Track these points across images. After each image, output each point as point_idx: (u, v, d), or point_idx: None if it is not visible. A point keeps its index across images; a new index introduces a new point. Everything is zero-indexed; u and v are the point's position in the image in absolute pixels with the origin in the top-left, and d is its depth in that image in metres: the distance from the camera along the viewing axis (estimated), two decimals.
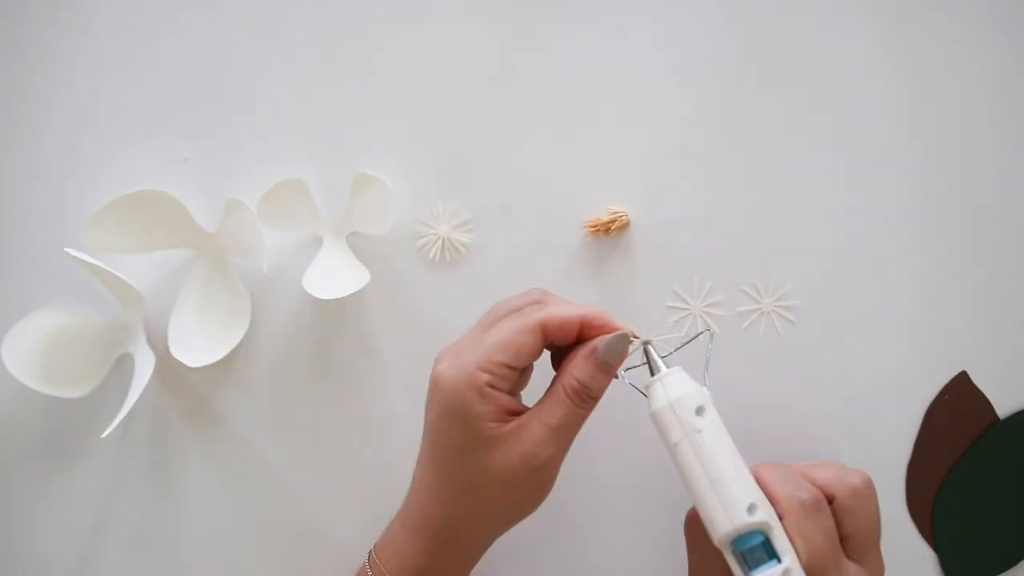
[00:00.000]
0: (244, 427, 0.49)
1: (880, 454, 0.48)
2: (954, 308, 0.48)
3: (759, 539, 0.35)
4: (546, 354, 0.41)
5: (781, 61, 0.49)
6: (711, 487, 0.36)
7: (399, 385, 0.48)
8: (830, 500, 0.38)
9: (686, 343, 0.42)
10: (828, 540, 0.36)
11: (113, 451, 0.49)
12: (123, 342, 0.49)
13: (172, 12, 0.50)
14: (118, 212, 0.46)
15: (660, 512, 0.48)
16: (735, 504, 0.35)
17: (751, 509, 0.35)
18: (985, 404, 0.48)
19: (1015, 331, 0.48)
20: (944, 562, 0.47)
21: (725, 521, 0.35)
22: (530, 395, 0.41)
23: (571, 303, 0.40)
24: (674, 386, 0.37)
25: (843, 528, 0.38)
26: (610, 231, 0.47)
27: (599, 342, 0.38)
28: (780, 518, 0.36)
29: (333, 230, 0.49)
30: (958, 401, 0.48)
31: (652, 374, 0.38)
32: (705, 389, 0.38)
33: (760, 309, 0.48)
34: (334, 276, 0.46)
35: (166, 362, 0.48)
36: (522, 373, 0.40)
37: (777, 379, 0.48)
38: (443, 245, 0.49)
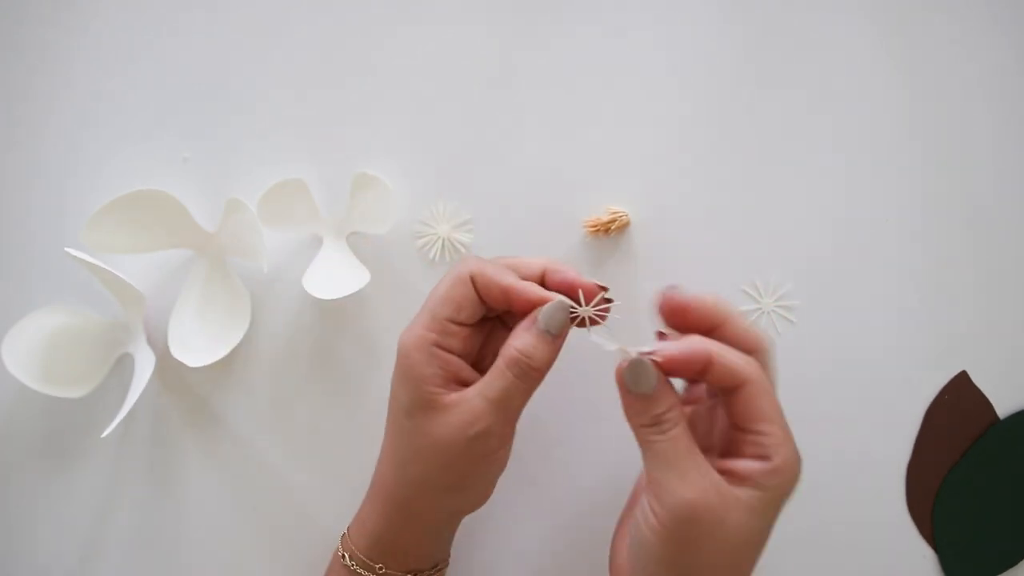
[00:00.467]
0: (244, 427, 0.49)
1: (880, 454, 0.48)
2: (954, 308, 0.48)
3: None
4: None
5: (781, 61, 0.49)
6: None
7: None
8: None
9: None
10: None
11: (113, 451, 0.49)
12: (123, 342, 0.49)
13: (172, 12, 0.50)
14: (118, 212, 0.46)
15: None
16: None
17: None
18: (985, 404, 0.48)
19: (1015, 331, 0.48)
20: (944, 562, 0.47)
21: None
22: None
23: (502, 269, 0.39)
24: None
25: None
26: (610, 231, 0.47)
27: (540, 311, 0.37)
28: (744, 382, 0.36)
29: (333, 230, 0.49)
30: (958, 401, 0.48)
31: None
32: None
33: (760, 309, 0.48)
34: (334, 276, 0.46)
35: (166, 362, 0.48)
36: (478, 338, 0.40)
37: (777, 379, 0.48)
38: (443, 245, 0.49)
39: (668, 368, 0.36)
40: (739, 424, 0.36)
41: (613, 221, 0.47)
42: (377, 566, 0.40)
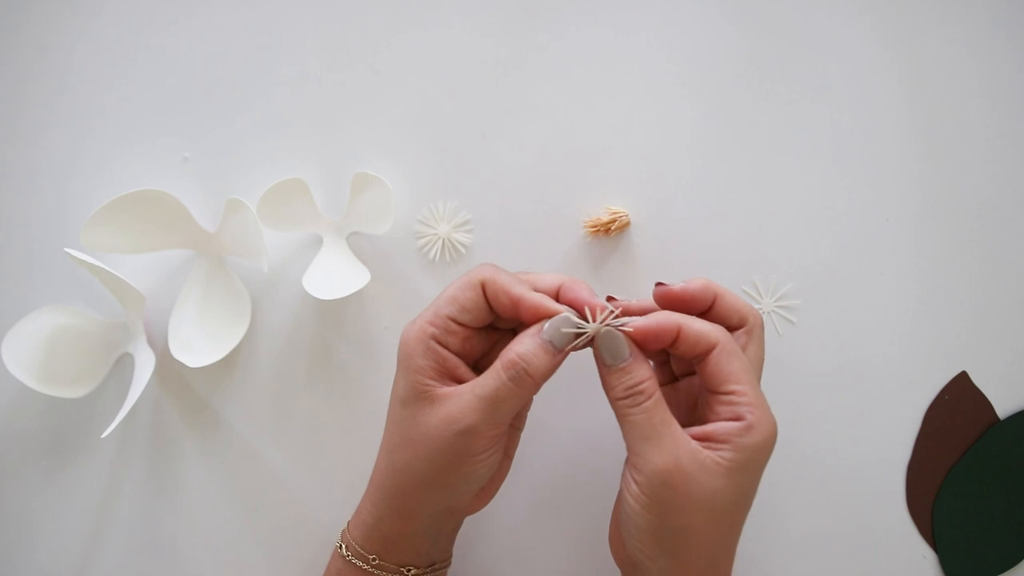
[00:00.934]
0: (244, 427, 0.49)
1: (880, 454, 0.48)
2: (954, 308, 0.48)
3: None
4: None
5: (781, 61, 0.49)
6: None
7: None
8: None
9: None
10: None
11: (113, 451, 0.49)
12: (123, 342, 0.49)
13: (172, 12, 0.50)
14: (118, 212, 0.46)
15: None
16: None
17: None
18: (985, 404, 0.48)
19: (1015, 331, 0.48)
20: (944, 562, 0.47)
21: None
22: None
23: (517, 282, 0.39)
24: None
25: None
26: (610, 231, 0.47)
27: (547, 322, 0.38)
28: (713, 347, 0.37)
29: (333, 230, 0.49)
30: (958, 401, 0.48)
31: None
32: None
33: (760, 309, 0.48)
34: (334, 276, 0.46)
35: (166, 362, 0.48)
36: (481, 343, 0.41)
37: (777, 379, 0.48)
38: (443, 245, 0.49)
39: (640, 339, 0.38)
40: (711, 388, 0.38)
41: (613, 221, 0.47)
42: (371, 557, 0.41)
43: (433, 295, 0.48)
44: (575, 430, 0.48)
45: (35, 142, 0.50)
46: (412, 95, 0.49)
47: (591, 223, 0.47)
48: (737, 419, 0.36)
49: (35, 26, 0.50)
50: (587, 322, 0.38)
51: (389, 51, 0.49)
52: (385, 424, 0.41)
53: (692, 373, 0.42)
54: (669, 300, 0.39)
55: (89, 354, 0.48)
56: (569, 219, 0.48)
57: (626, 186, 0.49)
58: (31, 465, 0.49)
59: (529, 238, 0.49)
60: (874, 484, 0.48)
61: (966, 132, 0.48)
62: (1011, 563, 0.48)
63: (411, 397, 0.39)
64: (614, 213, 0.47)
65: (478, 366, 0.41)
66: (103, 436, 0.45)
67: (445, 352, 0.39)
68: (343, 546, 0.42)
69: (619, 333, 0.37)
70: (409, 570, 0.41)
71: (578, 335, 0.38)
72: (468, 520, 0.44)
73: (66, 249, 0.45)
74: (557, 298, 0.39)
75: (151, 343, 0.48)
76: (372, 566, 0.41)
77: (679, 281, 0.39)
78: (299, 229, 0.49)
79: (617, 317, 0.38)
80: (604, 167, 0.49)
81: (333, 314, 0.49)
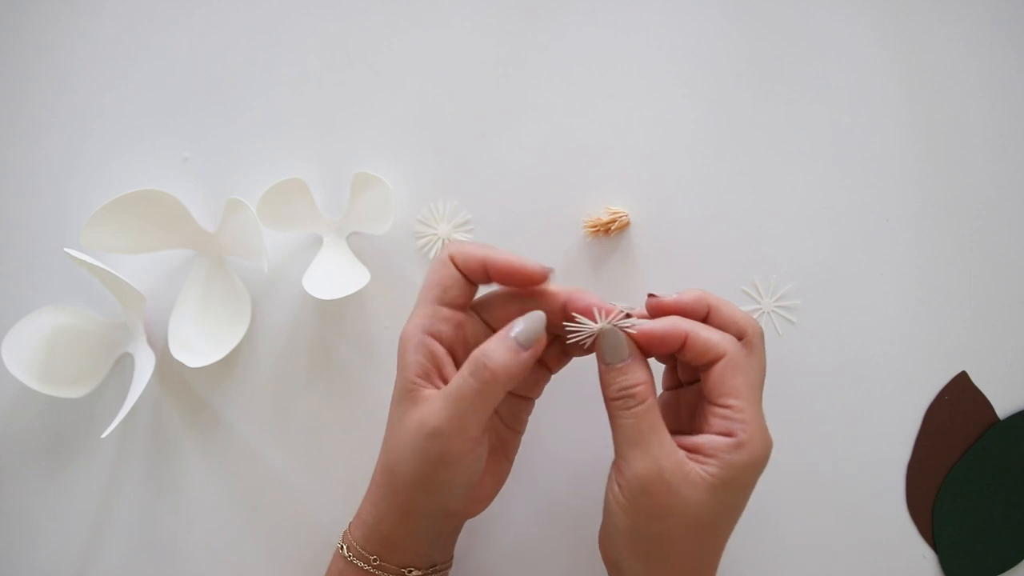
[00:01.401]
0: (244, 427, 0.49)
1: (880, 454, 0.48)
2: (954, 308, 0.48)
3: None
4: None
5: (781, 61, 0.49)
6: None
7: None
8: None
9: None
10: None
11: (113, 451, 0.49)
12: (123, 342, 0.49)
13: (172, 12, 0.50)
14: (118, 212, 0.46)
15: None
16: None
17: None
18: (985, 404, 0.48)
19: (1015, 331, 0.48)
20: (944, 562, 0.47)
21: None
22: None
23: (482, 246, 0.39)
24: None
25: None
26: (610, 231, 0.47)
27: (518, 319, 0.37)
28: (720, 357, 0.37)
29: (333, 230, 0.49)
30: (958, 401, 0.48)
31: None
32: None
33: (760, 309, 0.48)
34: (334, 276, 0.46)
35: (166, 362, 0.48)
36: (472, 332, 0.40)
37: (777, 379, 0.48)
38: (443, 245, 0.49)
39: (644, 343, 0.37)
40: (710, 399, 0.37)
41: (613, 221, 0.47)
42: (372, 557, 0.41)
43: None
44: (577, 433, 0.48)
45: (35, 142, 0.50)
46: (412, 95, 0.49)
47: (591, 223, 0.47)
48: (728, 434, 0.36)
49: (35, 26, 0.50)
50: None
51: (389, 51, 0.49)
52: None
53: (697, 380, 0.41)
54: (661, 311, 0.38)
55: (89, 354, 0.48)
56: (569, 219, 0.48)
57: (626, 186, 0.49)
58: (31, 465, 0.49)
59: (529, 238, 0.49)
60: (874, 484, 0.48)
61: (966, 132, 0.48)
62: (1011, 563, 0.48)
63: (399, 396, 0.39)
64: (614, 213, 0.47)
65: None
66: (103, 436, 0.45)
67: (435, 345, 0.38)
68: (344, 547, 0.42)
69: (620, 333, 0.37)
70: (410, 571, 0.41)
71: (556, 336, 0.38)
72: (469, 522, 0.44)
73: (66, 249, 0.45)
74: (564, 307, 0.39)
75: (151, 343, 0.48)
76: (373, 567, 0.41)
77: (672, 292, 0.39)
78: (299, 229, 0.49)
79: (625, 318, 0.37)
80: (604, 167, 0.49)
81: (333, 314, 0.49)
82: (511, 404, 0.42)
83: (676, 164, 0.49)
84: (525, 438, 0.43)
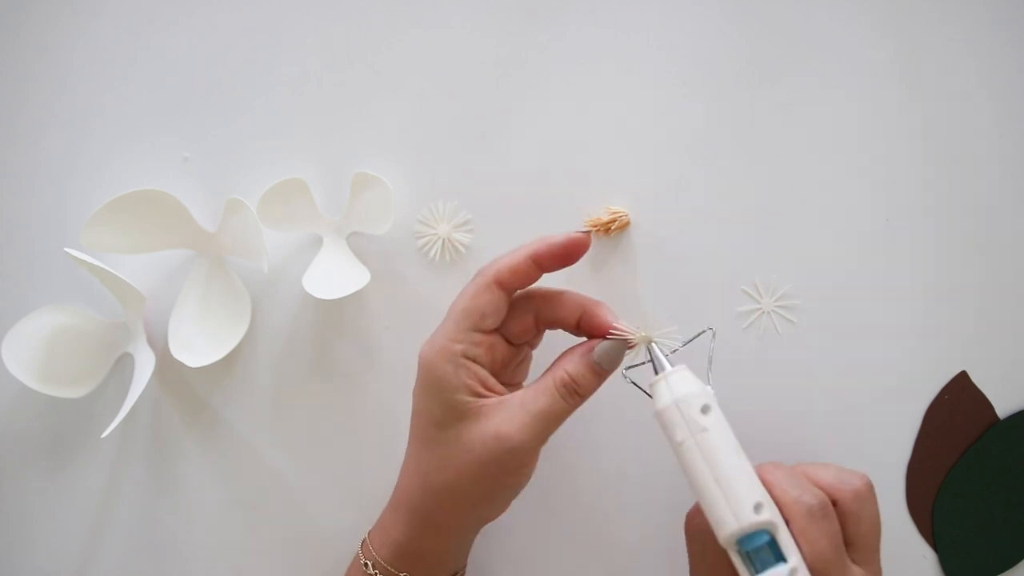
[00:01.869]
0: (244, 427, 0.49)
1: (880, 454, 0.48)
2: (954, 308, 0.48)
3: (765, 539, 0.35)
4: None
5: (781, 61, 0.49)
6: (717, 485, 0.35)
7: (399, 385, 0.48)
8: (833, 503, 0.38)
9: (689, 341, 0.41)
10: (834, 546, 0.36)
11: (113, 451, 0.49)
12: (123, 342, 0.49)
13: (172, 12, 0.50)
14: (118, 212, 0.46)
15: (665, 511, 0.47)
16: (741, 503, 0.35)
17: (757, 508, 0.35)
18: (985, 404, 0.48)
19: (1015, 331, 0.48)
20: (944, 562, 0.47)
21: (731, 520, 0.35)
22: None
23: (516, 251, 0.40)
24: (679, 384, 0.37)
25: (846, 531, 0.38)
26: (610, 231, 0.47)
27: (597, 344, 0.39)
28: (786, 522, 0.36)
29: (333, 230, 0.49)
30: (958, 401, 0.48)
31: (656, 372, 0.38)
32: (709, 387, 0.37)
33: (760, 309, 0.48)
34: (334, 276, 0.46)
35: (166, 362, 0.48)
36: (509, 348, 0.41)
37: (777, 379, 0.48)
38: (443, 245, 0.49)
39: None
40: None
41: (613, 221, 0.47)
42: (401, 575, 0.41)
43: (433, 295, 0.49)
44: (578, 434, 0.48)
45: (35, 142, 0.50)
46: (412, 95, 0.49)
47: (591, 223, 0.47)
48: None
49: (35, 26, 0.50)
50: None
51: (389, 51, 0.49)
52: (410, 446, 0.41)
53: None
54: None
55: (89, 354, 0.48)
56: (569, 219, 0.48)
57: (626, 186, 0.49)
58: (31, 465, 0.49)
59: (529, 238, 0.48)
60: (874, 484, 0.48)
61: (966, 132, 0.48)
62: (1011, 563, 0.48)
63: (451, 418, 0.39)
64: (614, 213, 0.47)
65: (498, 375, 0.41)
66: (103, 436, 0.45)
67: (476, 366, 0.39)
68: (368, 564, 0.41)
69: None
70: None
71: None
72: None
73: (66, 249, 0.45)
74: (579, 321, 0.40)
75: (151, 343, 0.48)
76: None
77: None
78: (299, 229, 0.49)
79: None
80: (604, 167, 0.49)
81: (333, 314, 0.49)
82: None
83: (676, 164, 0.49)
84: None
